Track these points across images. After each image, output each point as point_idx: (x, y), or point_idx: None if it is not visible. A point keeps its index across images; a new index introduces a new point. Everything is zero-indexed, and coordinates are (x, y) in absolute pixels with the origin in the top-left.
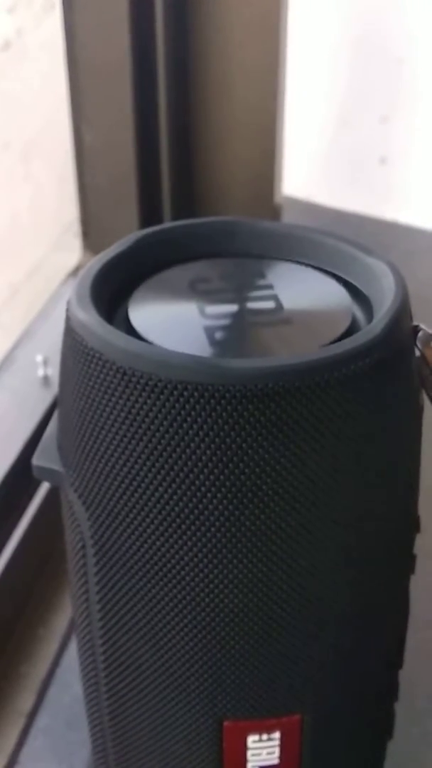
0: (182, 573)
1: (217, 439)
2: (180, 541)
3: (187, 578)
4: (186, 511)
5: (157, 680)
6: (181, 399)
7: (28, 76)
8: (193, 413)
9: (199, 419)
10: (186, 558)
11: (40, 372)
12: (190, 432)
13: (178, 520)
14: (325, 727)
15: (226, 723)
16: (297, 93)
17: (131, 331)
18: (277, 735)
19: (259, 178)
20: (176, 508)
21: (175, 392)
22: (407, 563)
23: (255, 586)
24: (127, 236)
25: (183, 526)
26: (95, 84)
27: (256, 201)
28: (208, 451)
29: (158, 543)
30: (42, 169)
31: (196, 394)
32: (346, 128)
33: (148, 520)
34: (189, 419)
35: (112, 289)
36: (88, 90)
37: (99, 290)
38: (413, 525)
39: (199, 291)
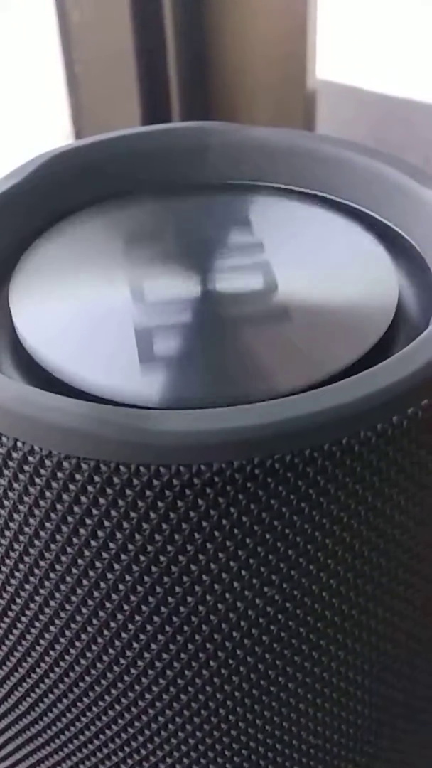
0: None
1: (132, 548)
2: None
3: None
4: (90, 656)
5: None
6: (73, 486)
7: None
8: (94, 509)
9: (105, 520)
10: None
11: None
12: (91, 541)
13: (73, 674)
14: None
15: None
16: None
17: (12, 334)
18: None
19: (288, 58)
20: (72, 651)
21: (61, 474)
22: None
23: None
24: (22, 164)
25: (84, 683)
26: None
27: (285, 86)
28: (117, 567)
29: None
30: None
31: (97, 477)
32: None
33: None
34: (87, 518)
35: None
36: None
37: None
38: None
39: (133, 256)
